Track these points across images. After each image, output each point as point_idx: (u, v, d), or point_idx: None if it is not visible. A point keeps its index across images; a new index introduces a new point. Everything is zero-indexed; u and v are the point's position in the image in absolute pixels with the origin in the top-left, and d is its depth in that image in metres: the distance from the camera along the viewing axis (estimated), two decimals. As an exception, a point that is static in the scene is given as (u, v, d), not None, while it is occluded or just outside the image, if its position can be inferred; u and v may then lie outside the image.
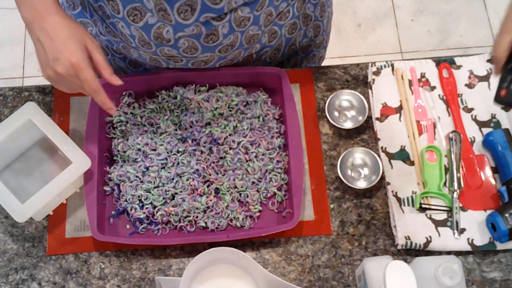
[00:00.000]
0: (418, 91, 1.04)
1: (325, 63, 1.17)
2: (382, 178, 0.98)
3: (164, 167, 0.97)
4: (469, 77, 1.05)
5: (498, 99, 0.81)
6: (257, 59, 1.04)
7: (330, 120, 1.01)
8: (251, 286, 0.87)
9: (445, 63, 1.06)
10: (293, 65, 1.14)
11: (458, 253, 0.94)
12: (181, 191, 0.95)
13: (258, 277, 0.85)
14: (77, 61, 0.78)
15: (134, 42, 0.90)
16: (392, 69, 1.06)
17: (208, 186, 0.97)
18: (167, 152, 0.97)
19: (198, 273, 0.87)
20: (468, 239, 0.94)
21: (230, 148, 0.98)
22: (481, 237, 0.94)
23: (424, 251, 0.94)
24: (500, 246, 0.93)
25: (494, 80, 1.05)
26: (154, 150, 0.98)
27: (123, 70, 1.10)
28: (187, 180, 0.96)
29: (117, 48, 1.00)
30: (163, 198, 0.95)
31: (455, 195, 0.95)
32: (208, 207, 0.95)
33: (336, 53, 2.10)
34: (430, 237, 0.93)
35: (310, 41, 1.11)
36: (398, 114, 1.02)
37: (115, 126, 1.01)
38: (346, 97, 1.03)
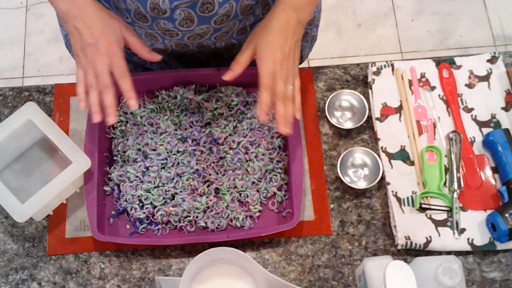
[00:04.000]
0: (418, 91, 1.04)
1: (325, 63, 1.17)
2: (382, 178, 0.98)
3: (164, 167, 0.97)
4: (469, 77, 1.05)
5: None
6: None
7: (330, 120, 1.01)
8: (251, 286, 0.87)
9: (445, 63, 1.06)
10: None
11: (458, 253, 0.94)
12: (181, 191, 0.95)
13: (258, 277, 0.85)
14: (112, 48, 0.81)
15: (129, 17, 0.90)
16: (392, 69, 1.06)
17: (208, 186, 0.97)
18: (167, 152, 0.97)
19: (198, 273, 0.87)
20: (468, 239, 0.94)
21: (230, 148, 0.98)
22: (481, 237, 0.94)
23: (424, 251, 0.94)
24: (500, 246, 0.93)
25: (494, 80, 1.05)
26: (154, 150, 0.98)
27: None
28: (187, 180, 0.96)
29: None
30: (163, 198, 0.95)
31: (455, 195, 0.95)
32: (208, 207, 0.95)
33: (336, 53, 2.10)
34: (430, 237, 0.93)
35: None
36: (398, 114, 1.02)
37: (115, 126, 1.01)
38: (346, 97, 1.03)
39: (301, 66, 1.20)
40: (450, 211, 0.95)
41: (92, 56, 0.81)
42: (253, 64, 1.10)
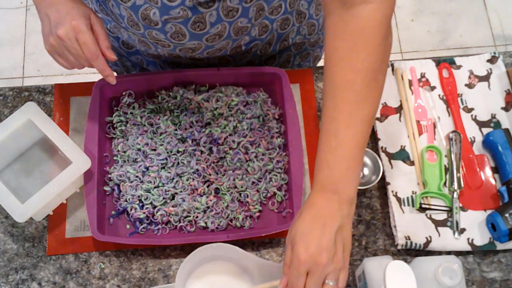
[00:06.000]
0: (418, 91, 1.04)
1: (325, 63, 1.17)
2: (382, 178, 0.98)
3: (164, 167, 0.97)
4: (469, 77, 1.05)
5: None
6: (247, 51, 1.04)
7: (330, 120, 1.01)
8: (247, 282, 0.86)
9: (445, 63, 1.06)
10: (285, 61, 1.14)
11: (458, 253, 0.94)
12: (181, 191, 0.95)
13: (251, 266, 0.85)
14: (77, 23, 0.80)
15: (123, 22, 0.91)
16: (392, 69, 1.06)
17: (208, 186, 0.97)
18: (167, 152, 0.97)
19: (194, 271, 0.87)
20: (468, 239, 0.94)
21: (230, 148, 0.98)
22: (481, 237, 0.94)
23: (424, 251, 0.94)
24: (500, 246, 0.93)
25: (494, 80, 1.05)
26: (154, 150, 0.98)
27: (116, 50, 1.10)
28: (187, 180, 0.96)
29: (110, 27, 1.01)
30: (163, 198, 0.95)
31: (455, 195, 0.95)
32: (208, 207, 0.95)
33: (336, 53, 2.10)
34: (430, 237, 0.93)
35: (303, 38, 1.10)
36: (398, 114, 1.02)
37: (115, 126, 1.01)
38: (346, 97, 1.03)
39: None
40: (450, 211, 0.95)
41: (61, 35, 0.80)
42: (253, 64, 1.11)
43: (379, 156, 0.99)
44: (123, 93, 1.03)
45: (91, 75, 1.84)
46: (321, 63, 1.24)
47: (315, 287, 0.70)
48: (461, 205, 0.96)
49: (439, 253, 0.94)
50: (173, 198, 0.96)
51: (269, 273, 0.82)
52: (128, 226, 0.96)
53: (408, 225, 0.94)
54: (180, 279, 0.81)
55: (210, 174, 0.97)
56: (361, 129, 0.72)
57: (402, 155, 0.99)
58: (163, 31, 0.89)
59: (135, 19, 0.87)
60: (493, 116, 1.02)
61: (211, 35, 0.91)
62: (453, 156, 0.98)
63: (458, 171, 0.97)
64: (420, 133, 1.01)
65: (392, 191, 0.96)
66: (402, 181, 0.97)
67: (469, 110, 1.03)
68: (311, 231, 0.70)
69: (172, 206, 0.94)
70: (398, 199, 0.96)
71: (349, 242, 0.72)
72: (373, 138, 1.02)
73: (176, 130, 0.99)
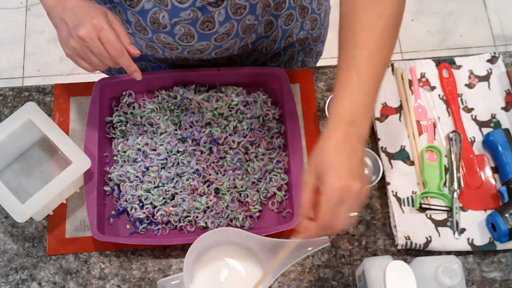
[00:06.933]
0: (418, 91, 1.04)
1: (325, 63, 1.17)
2: (382, 178, 0.98)
3: (164, 167, 0.97)
4: (469, 77, 1.05)
5: None
6: (253, 49, 1.04)
7: (330, 120, 1.01)
8: (253, 263, 0.86)
9: (445, 63, 1.06)
10: (289, 58, 1.14)
11: (458, 253, 0.94)
12: (181, 191, 0.95)
13: (255, 247, 0.84)
14: (97, 22, 0.78)
15: (130, 28, 0.90)
16: (392, 69, 1.06)
17: (208, 186, 0.97)
18: (167, 152, 0.97)
19: (199, 258, 0.86)
20: (468, 239, 0.94)
21: (230, 148, 0.98)
22: (481, 237, 0.94)
23: (424, 251, 0.94)
24: (500, 246, 0.93)
25: (494, 80, 1.05)
26: (154, 150, 0.98)
27: None
28: (187, 180, 0.96)
29: None
30: (163, 198, 0.95)
31: (455, 195, 0.95)
32: (208, 207, 0.95)
33: (336, 53, 2.10)
34: (430, 237, 0.93)
35: (307, 34, 1.11)
36: (398, 114, 1.02)
37: (115, 126, 1.01)
38: (346, 97, 1.03)
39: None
40: (450, 211, 0.95)
41: (83, 36, 0.78)
42: (259, 62, 1.11)
43: (379, 156, 0.99)
44: (123, 93, 1.03)
45: (91, 75, 1.84)
46: (321, 62, 1.24)
47: (343, 218, 0.68)
48: (461, 205, 0.96)
49: (439, 253, 0.94)
50: (173, 198, 0.96)
51: (275, 251, 0.82)
52: (128, 226, 0.96)
53: (408, 225, 0.94)
54: (187, 267, 0.81)
55: (210, 174, 0.97)
56: (379, 71, 0.73)
57: (402, 155, 0.99)
58: (172, 34, 0.89)
59: (143, 23, 0.87)
60: (493, 116, 1.02)
61: (219, 35, 0.91)
62: (453, 156, 0.98)
63: (458, 171, 0.97)
64: (420, 133, 1.01)
65: (392, 191, 0.96)
66: (402, 181, 0.97)
67: (469, 110, 1.03)
68: (338, 159, 0.68)
69: (172, 206, 0.94)
70: (398, 199, 0.96)
71: (364, 175, 0.71)
72: (373, 138, 1.02)
73: (176, 130, 0.99)
